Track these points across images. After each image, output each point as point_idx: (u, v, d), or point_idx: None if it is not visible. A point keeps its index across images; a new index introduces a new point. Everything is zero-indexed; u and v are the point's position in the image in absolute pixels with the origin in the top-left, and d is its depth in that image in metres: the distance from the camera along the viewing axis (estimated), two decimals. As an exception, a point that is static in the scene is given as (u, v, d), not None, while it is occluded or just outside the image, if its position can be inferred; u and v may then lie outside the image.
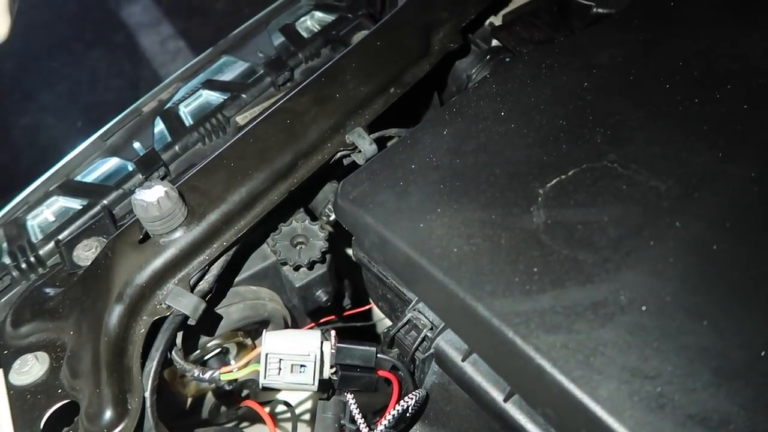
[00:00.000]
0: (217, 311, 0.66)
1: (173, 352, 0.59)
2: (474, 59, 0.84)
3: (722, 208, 0.51)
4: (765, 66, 0.63)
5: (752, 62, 0.63)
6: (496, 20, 0.90)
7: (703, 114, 0.59)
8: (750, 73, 0.62)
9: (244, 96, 0.85)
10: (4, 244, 0.74)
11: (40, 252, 0.72)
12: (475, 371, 0.55)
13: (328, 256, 0.66)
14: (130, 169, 0.79)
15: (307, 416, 0.77)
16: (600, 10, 0.80)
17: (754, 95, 0.60)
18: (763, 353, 0.43)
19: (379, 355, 0.59)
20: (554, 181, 0.55)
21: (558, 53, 0.68)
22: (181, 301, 0.58)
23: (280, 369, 0.56)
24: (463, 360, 0.55)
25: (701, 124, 0.58)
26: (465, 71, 0.84)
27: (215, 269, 0.62)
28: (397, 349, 0.62)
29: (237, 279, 0.68)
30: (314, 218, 0.69)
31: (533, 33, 0.82)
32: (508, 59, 0.82)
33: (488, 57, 0.83)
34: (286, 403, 0.69)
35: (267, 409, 0.62)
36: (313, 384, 0.57)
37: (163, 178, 0.78)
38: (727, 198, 0.52)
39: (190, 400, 0.70)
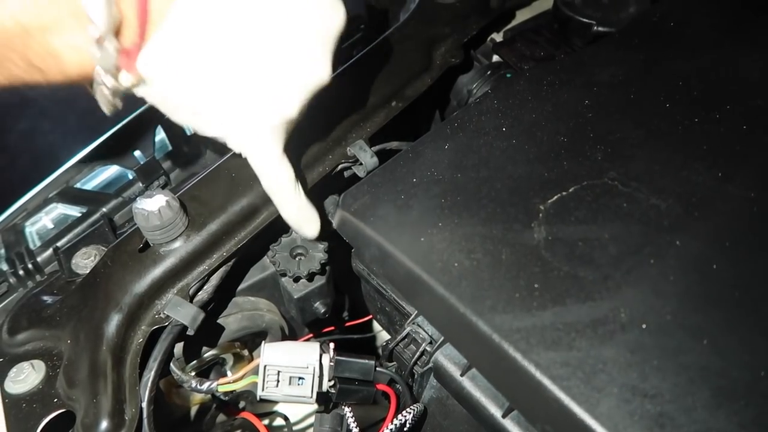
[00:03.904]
0: (215, 322, 0.66)
1: (171, 363, 0.58)
2: (475, 74, 0.85)
3: (722, 227, 0.52)
4: (764, 87, 0.63)
5: (751, 83, 0.64)
6: (498, 36, 0.91)
7: (703, 133, 0.59)
8: (749, 93, 0.63)
9: (246, 106, 0.85)
10: (2, 251, 0.74)
11: (38, 259, 0.71)
12: (474, 386, 0.55)
13: (327, 268, 0.66)
14: (131, 177, 0.79)
15: (304, 429, 0.77)
16: (600, 29, 0.81)
17: (753, 116, 0.60)
18: (763, 373, 0.43)
19: (377, 369, 0.59)
20: (555, 198, 0.55)
21: (559, 70, 0.68)
22: (180, 311, 0.57)
23: (278, 381, 0.56)
24: (461, 375, 0.55)
25: (701, 143, 0.58)
26: (466, 86, 0.85)
27: (215, 279, 0.61)
28: (395, 363, 0.62)
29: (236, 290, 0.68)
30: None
31: (534, 50, 0.82)
32: (509, 75, 0.83)
33: (489, 72, 0.84)
34: (284, 416, 0.68)
35: (265, 422, 0.61)
36: (312, 397, 0.57)
37: (163, 187, 0.78)
38: (727, 217, 0.53)
39: (186, 411, 0.70)
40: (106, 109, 0.44)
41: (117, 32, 0.38)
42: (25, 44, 0.38)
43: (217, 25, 0.41)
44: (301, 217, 0.58)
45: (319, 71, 0.48)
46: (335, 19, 0.47)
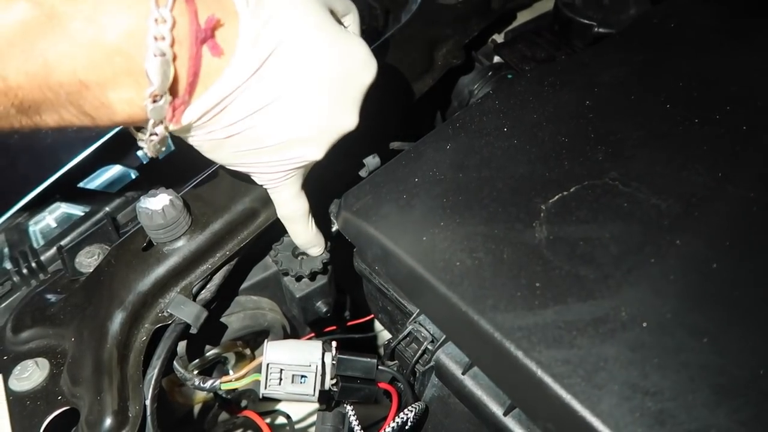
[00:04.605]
0: (218, 320, 0.66)
1: (174, 361, 0.59)
2: (476, 75, 0.85)
3: (721, 227, 0.52)
4: (764, 88, 0.64)
5: (751, 84, 0.64)
6: (499, 37, 0.91)
7: (703, 134, 0.60)
8: (749, 94, 0.63)
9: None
10: (6, 249, 0.74)
11: (42, 258, 0.72)
12: (476, 385, 0.55)
13: (329, 268, 0.66)
14: (133, 176, 0.79)
15: (306, 427, 0.77)
16: (601, 30, 0.82)
17: (752, 117, 0.61)
18: (762, 371, 0.43)
19: (379, 367, 0.60)
20: (556, 198, 0.56)
21: (560, 71, 0.69)
22: (183, 309, 0.58)
23: (281, 379, 0.57)
24: (463, 373, 0.56)
25: (701, 144, 0.59)
26: (467, 87, 0.85)
27: (217, 278, 0.62)
28: (397, 362, 0.62)
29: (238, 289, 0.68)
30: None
31: (535, 51, 0.83)
32: (510, 76, 0.83)
33: (490, 73, 0.84)
34: (286, 415, 0.69)
35: (267, 420, 0.62)
36: (314, 395, 0.57)
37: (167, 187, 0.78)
38: (727, 217, 0.53)
39: (188, 409, 0.70)
40: (151, 153, 0.48)
41: (169, 89, 0.43)
42: (82, 96, 0.42)
43: (258, 85, 0.45)
44: (310, 242, 0.62)
45: (346, 121, 0.51)
46: (366, 75, 0.51)
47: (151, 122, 0.44)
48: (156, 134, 0.45)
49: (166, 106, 0.43)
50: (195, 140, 0.49)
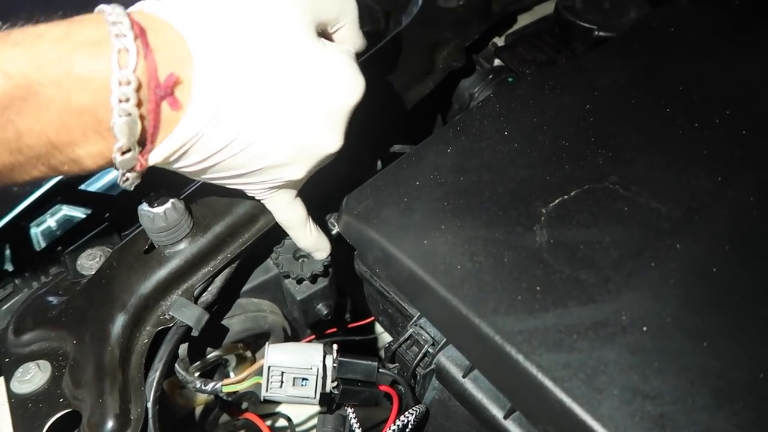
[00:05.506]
0: (219, 323, 0.66)
1: (176, 363, 0.59)
2: (477, 78, 0.85)
3: (722, 231, 0.52)
4: (764, 92, 0.64)
5: (751, 88, 0.65)
6: (500, 40, 0.91)
7: (703, 138, 0.60)
8: (749, 98, 0.63)
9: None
10: (7, 252, 0.74)
11: (43, 260, 0.72)
12: (476, 388, 0.55)
13: (330, 270, 0.66)
14: (134, 179, 0.79)
15: (307, 430, 0.77)
16: (601, 34, 0.82)
17: (753, 121, 0.61)
18: (761, 375, 0.43)
19: (380, 370, 0.60)
20: (557, 201, 0.56)
21: (560, 75, 0.69)
22: (185, 312, 0.58)
23: (282, 382, 0.57)
24: (463, 376, 0.56)
25: (701, 148, 0.59)
26: (468, 90, 0.85)
27: (219, 281, 0.62)
28: (397, 364, 0.62)
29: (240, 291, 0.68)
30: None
31: (536, 54, 0.83)
32: (511, 79, 0.83)
33: (491, 76, 0.84)
34: (286, 417, 0.69)
35: (268, 423, 0.62)
36: (315, 397, 0.57)
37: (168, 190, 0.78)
38: (727, 221, 0.53)
39: (189, 411, 0.70)
40: (126, 187, 0.48)
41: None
42: (52, 156, 0.43)
43: (215, 129, 0.45)
44: (312, 247, 0.63)
45: (325, 145, 0.51)
46: (348, 98, 0.50)
47: (120, 171, 0.45)
48: (128, 178, 0.46)
49: (136, 155, 0.44)
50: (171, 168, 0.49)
